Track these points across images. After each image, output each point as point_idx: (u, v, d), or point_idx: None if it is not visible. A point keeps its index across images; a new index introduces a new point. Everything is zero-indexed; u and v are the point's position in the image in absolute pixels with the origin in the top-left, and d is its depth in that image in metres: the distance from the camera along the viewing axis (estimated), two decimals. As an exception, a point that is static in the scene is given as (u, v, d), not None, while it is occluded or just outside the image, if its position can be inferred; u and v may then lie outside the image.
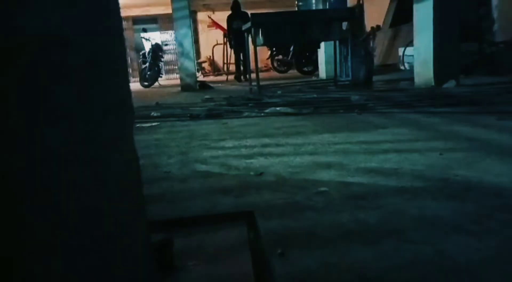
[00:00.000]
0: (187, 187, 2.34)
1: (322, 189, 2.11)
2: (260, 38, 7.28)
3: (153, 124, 4.82)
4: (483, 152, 2.62)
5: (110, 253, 0.80)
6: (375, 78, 8.50)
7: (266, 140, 3.49)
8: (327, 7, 8.56)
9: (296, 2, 8.28)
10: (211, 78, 18.13)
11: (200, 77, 17.59)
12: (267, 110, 5.04)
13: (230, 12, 13.45)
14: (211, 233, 1.66)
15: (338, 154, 2.85)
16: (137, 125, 4.80)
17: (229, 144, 3.47)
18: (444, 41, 6.51)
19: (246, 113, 5.08)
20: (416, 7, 6.85)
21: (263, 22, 7.37)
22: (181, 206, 2.03)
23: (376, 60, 13.28)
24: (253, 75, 8.19)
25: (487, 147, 2.74)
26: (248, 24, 7.44)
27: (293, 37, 7.81)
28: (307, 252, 1.47)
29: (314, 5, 8.70)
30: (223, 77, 15.12)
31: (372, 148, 2.96)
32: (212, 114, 5.11)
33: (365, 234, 1.58)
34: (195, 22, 22.52)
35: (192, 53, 10.78)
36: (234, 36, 12.89)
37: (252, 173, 2.50)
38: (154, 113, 5.52)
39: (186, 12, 10.54)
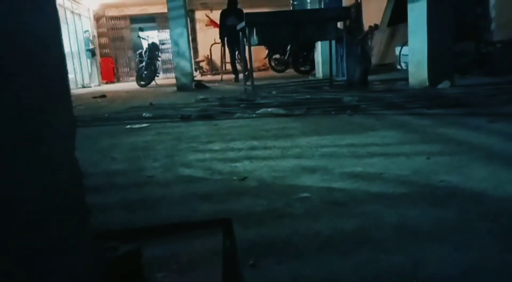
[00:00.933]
0: (168, 192, 2.30)
1: (304, 194, 2.07)
2: (255, 38, 7.24)
3: (143, 125, 4.78)
4: (470, 155, 2.58)
5: (43, 272, 0.75)
6: (371, 78, 8.47)
7: (254, 142, 3.45)
8: (322, 6, 8.50)
9: (291, 2, 8.22)
10: (209, 77, 18.11)
11: (198, 77, 17.58)
12: (258, 112, 5.00)
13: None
14: (186, 241, 1.62)
15: (325, 158, 2.81)
16: (127, 127, 4.78)
17: (217, 146, 3.43)
18: (438, 42, 6.47)
19: (237, 115, 5.04)
20: (410, 7, 6.81)
21: (257, 22, 7.33)
22: (159, 213, 1.99)
23: (374, 60, 13.25)
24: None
25: (475, 151, 2.70)
26: (242, 24, 7.40)
27: (287, 37, 7.77)
28: (281, 263, 1.43)
29: (309, 5, 8.65)
30: (221, 77, 15.08)
31: (359, 151, 2.92)
32: (204, 116, 5.07)
33: (342, 244, 1.54)
34: (193, 21, 22.55)
35: (188, 53, 10.74)
36: (228, 33, 12.32)
37: (235, 178, 2.46)
38: (145, 114, 5.48)
39: (182, 11, 10.50)
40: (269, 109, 5.04)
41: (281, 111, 4.92)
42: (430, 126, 3.64)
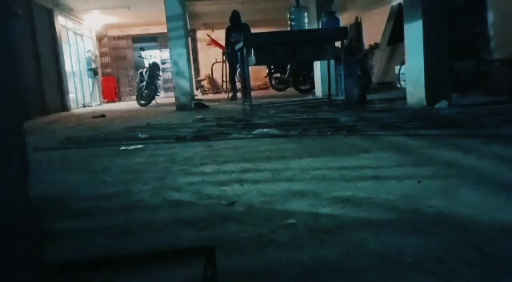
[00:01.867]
0: (154, 218, 2.27)
1: (290, 221, 2.04)
2: (253, 58, 7.24)
3: (138, 146, 4.75)
4: (460, 179, 2.56)
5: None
6: (371, 97, 8.45)
7: (247, 165, 3.42)
8: (320, 26, 8.52)
9: (289, 22, 8.25)
10: (210, 96, 18.12)
11: (199, 95, 17.60)
12: (254, 132, 4.98)
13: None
14: (165, 271, 1.59)
15: (315, 181, 2.78)
16: (122, 148, 4.76)
17: (209, 169, 3.40)
18: (435, 61, 6.46)
19: (233, 135, 5.02)
20: (406, 27, 6.82)
21: (255, 42, 7.34)
22: (142, 240, 1.97)
23: (374, 78, 13.27)
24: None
25: (465, 174, 2.67)
26: (240, 44, 7.41)
27: (285, 57, 7.78)
28: (259, 295, 1.40)
29: (306, 25, 8.66)
30: (223, 95, 15.08)
31: (350, 174, 2.89)
32: (199, 137, 5.05)
33: (323, 274, 1.52)
34: (194, 40, 22.65)
35: (187, 73, 10.75)
36: (231, 49, 11.67)
37: (223, 203, 2.43)
38: (142, 135, 5.46)
39: (182, 32, 10.53)
40: (265, 130, 5.02)
41: (276, 132, 4.90)
42: (424, 148, 3.61)
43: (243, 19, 12.23)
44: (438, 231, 1.81)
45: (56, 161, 4.34)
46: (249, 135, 4.92)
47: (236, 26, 11.90)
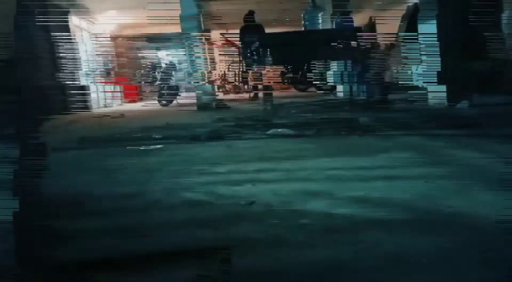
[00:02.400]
0: (169, 217, 2.28)
1: (304, 221, 2.04)
2: (270, 58, 7.24)
3: (156, 147, 4.77)
4: (474, 179, 2.54)
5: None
6: (392, 96, 8.41)
7: (263, 164, 3.43)
8: (334, 27, 8.50)
9: (304, 22, 8.22)
10: (231, 96, 18.13)
11: (221, 96, 17.60)
12: (272, 132, 4.98)
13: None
14: (181, 270, 1.61)
15: (331, 181, 2.78)
16: (141, 148, 4.78)
17: (224, 168, 3.41)
18: (453, 61, 6.42)
19: (251, 135, 5.02)
20: (421, 28, 6.78)
21: (272, 42, 7.34)
22: (159, 240, 1.98)
23: (394, 78, 13.18)
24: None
25: (480, 174, 2.66)
26: (257, 44, 7.42)
27: (302, 57, 7.78)
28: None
29: (320, 25, 8.64)
30: (244, 95, 15.06)
31: (365, 174, 2.89)
32: (217, 136, 5.06)
33: (336, 274, 1.52)
34: (209, 40, 22.65)
35: (207, 73, 10.76)
36: (247, 50, 11.08)
37: (240, 202, 2.44)
38: (159, 135, 5.47)
39: (197, 31, 10.52)
40: (282, 130, 5.02)
41: (294, 131, 4.90)
42: (440, 148, 3.60)
43: (258, 19, 12.09)
44: (449, 230, 1.80)
45: (74, 160, 4.37)
46: (267, 135, 4.93)
47: (250, 27, 11.60)
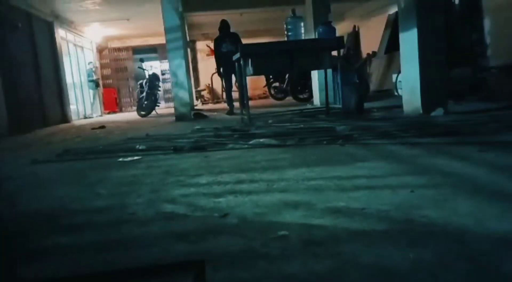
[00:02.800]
0: (146, 231, 2.25)
1: (282, 233, 2.02)
2: (250, 68, 7.23)
3: (135, 158, 4.74)
4: (455, 188, 2.54)
5: None
6: (368, 105, 8.45)
7: (242, 175, 3.41)
8: (317, 36, 8.52)
9: (286, 32, 8.26)
10: (210, 106, 18.14)
11: (199, 105, 17.62)
12: (251, 142, 4.97)
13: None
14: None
15: (310, 192, 2.76)
16: (120, 160, 4.75)
17: (204, 180, 3.38)
18: (431, 69, 6.48)
19: (230, 146, 5.00)
20: (401, 36, 6.85)
21: (252, 53, 7.34)
22: (133, 254, 1.94)
23: (372, 86, 13.30)
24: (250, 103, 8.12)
25: (461, 183, 2.65)
26: (237, 55, 7.41)
27: (282, 67, 7.80)
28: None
29: (303, 35, 8.67)
30: (223, 105, 15.05)
31: (345, 184, 2.88)
32: (196, 147, 5.04)
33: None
34: (194, 50, 22.77)
35: (186, 83, 10.76)
36: (224, 61, 11.06)
37: (216, 215, 2.41)
38: (139, 146, 5.44)
39: (180, 42, 10.55)
40: (262, 140, 5.01)
41: (273, 141, 4.89)
42: (419, 157, 3.60)
43: (242, 29, 12.12)
44: (432, 242, 1.78)
45: (51, 174, 4.32)
46: (246, 146, 4.91)
47: (226, 36, 11.47)
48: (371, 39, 14.99)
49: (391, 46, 12.84)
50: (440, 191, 2.51)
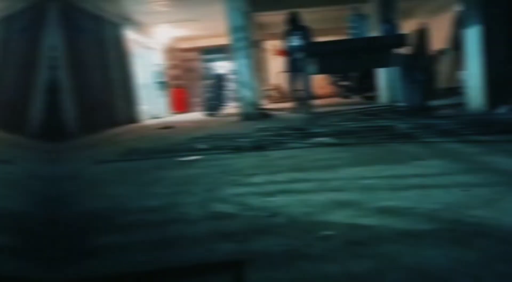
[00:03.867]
0: (193, 230, 2.28)
1: (327, 232, 2.01)
2: (315, 67, 7.21)
3: (195, 158, 4.80)
4: (510, 187, 2.46)
5: None
6: (435, 102, 8.25)
7: (297, 175, 3.40)
8: (381, 33, 8.41)
9: (349, 31, 8.16)
10: (277, 105, 18.16)
11: (267, 105, 17.67)
12: (310, 142, 4.95)
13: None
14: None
15: (362, 191, 2.73)
16: (180, 159, 4.81)
17: (259, 179, 3.40)
18: (495, 66, 6.29)
19: (290, 145, 5.00)
20: (465, 33, 6.69)
21: (316, 51, 7.31)
22: (177, 253, 1.98)
23: (440, 84, 13.00)
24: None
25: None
26: (302, 54, 7.39)
27: (345, 65, 7.73)
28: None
29: (367, 33, 8.56)
30: (290, 104, 15.07)
31: (398, 183, 2.84)
32: (256, 146, 5.05)
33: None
34: (261, 50, 22.83)
35: (251, 83, 10.79)
36: (291, 56, 10.43)
37: (264, 214, 2.42)
38: (201, 146, 5.51)
39: (245, 43, 10.58)
40: (321, 139, 4.99)
41: (332, 140, 4.86)
42: (477, 155, 3.51)
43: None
44: (477, 242, 1.74)
45: (112, 173, 4.42)
46: (305, 145, 4.90)
47: (295, 29, 10.66)
48: (440, 36, 14.63)
49: (459, 43, 12.52)
50: (495, 190, 2.44)
